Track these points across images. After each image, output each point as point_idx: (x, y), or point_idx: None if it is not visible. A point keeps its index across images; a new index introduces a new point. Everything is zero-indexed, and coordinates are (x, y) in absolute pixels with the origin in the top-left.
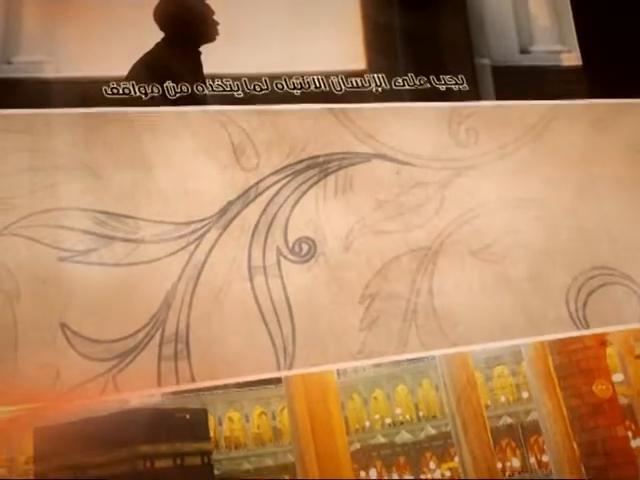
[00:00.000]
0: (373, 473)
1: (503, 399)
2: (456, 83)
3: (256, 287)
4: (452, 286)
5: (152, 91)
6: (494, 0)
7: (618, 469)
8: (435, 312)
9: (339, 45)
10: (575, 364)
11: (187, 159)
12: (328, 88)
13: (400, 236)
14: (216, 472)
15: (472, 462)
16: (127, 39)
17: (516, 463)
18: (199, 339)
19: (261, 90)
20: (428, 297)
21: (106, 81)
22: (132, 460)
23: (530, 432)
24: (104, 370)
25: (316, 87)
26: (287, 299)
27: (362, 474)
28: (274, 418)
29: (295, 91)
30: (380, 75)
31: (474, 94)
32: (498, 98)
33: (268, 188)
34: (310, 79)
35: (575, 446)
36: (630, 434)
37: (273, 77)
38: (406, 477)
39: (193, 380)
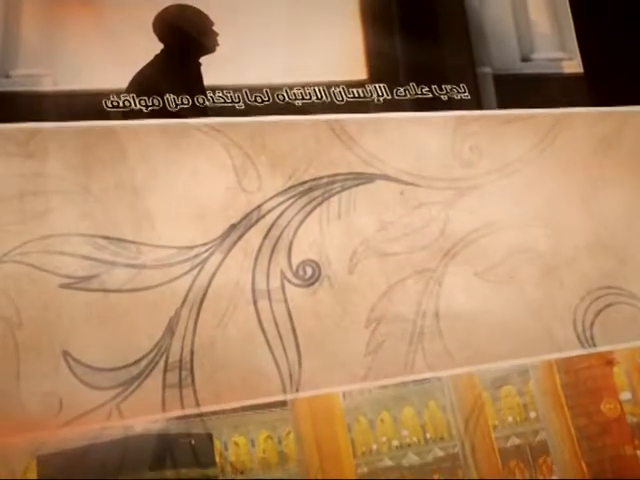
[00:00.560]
0: None
1: (511, 419)
2: (458, 92)
3: (260, 311)
4: (458, 307)
5: (153, 103)
6: (494, 7)
7: None
8: (442, 334)
9: (340, 55)
10: (582, 383)
11: (188, 181)
12: (329, 99)
13: (405, 257)
14: None
15: None
16: (126, 51)
17: None
18: (203, 365)
19: (262, 101)
20: (434, 319)
21: (106, 94)
22: None
23: (538, 452)
24: (108, 399)
25: (317, 98)
26: (292, 323)
27: None
28: (280, 442)
29: (296, 102)
30: (381, 85)
31: (476, 103)
32: (500, 106)
33: (271, 210)
34: (311, 90)
35: (584, 465)
36: (639, 453)
37: (274, 88)
38: None
39: (198, 406)
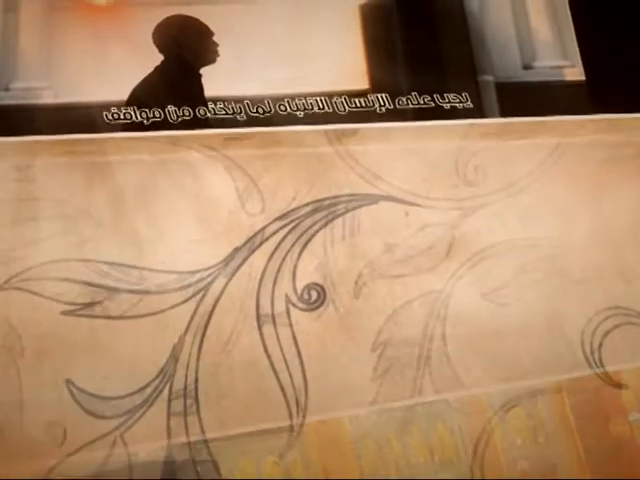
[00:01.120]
0: None
1: (519, 442)
2: (460, 101)
3: (265, 336)
4: (465, 330)
5: (154, 115)
6: (495, 15)
7: None
8: (449, 358)
9: (341, 65)
10: (591, 404)
11: (191, 205)
12: (331, 109)
13: (410, 280)
14: None
15: None
16: (127, 63)
17: None
18: (208, 392)
19: (264, 112)
20: (441, 343)
21: (107, 106)
22: None
23: (547, 475)
24: (112, 428)
25: (319, 108)
26: (297, 348)
27: None
28: (287, 467)
29: (298, 112)
30: (383, 95)
31: (479, 111)
32: (502, 115)
33: (274, 233)
34: (313, 100)
35: None
36: None
37: (276, 99)
38: None
39: (203, 433)
